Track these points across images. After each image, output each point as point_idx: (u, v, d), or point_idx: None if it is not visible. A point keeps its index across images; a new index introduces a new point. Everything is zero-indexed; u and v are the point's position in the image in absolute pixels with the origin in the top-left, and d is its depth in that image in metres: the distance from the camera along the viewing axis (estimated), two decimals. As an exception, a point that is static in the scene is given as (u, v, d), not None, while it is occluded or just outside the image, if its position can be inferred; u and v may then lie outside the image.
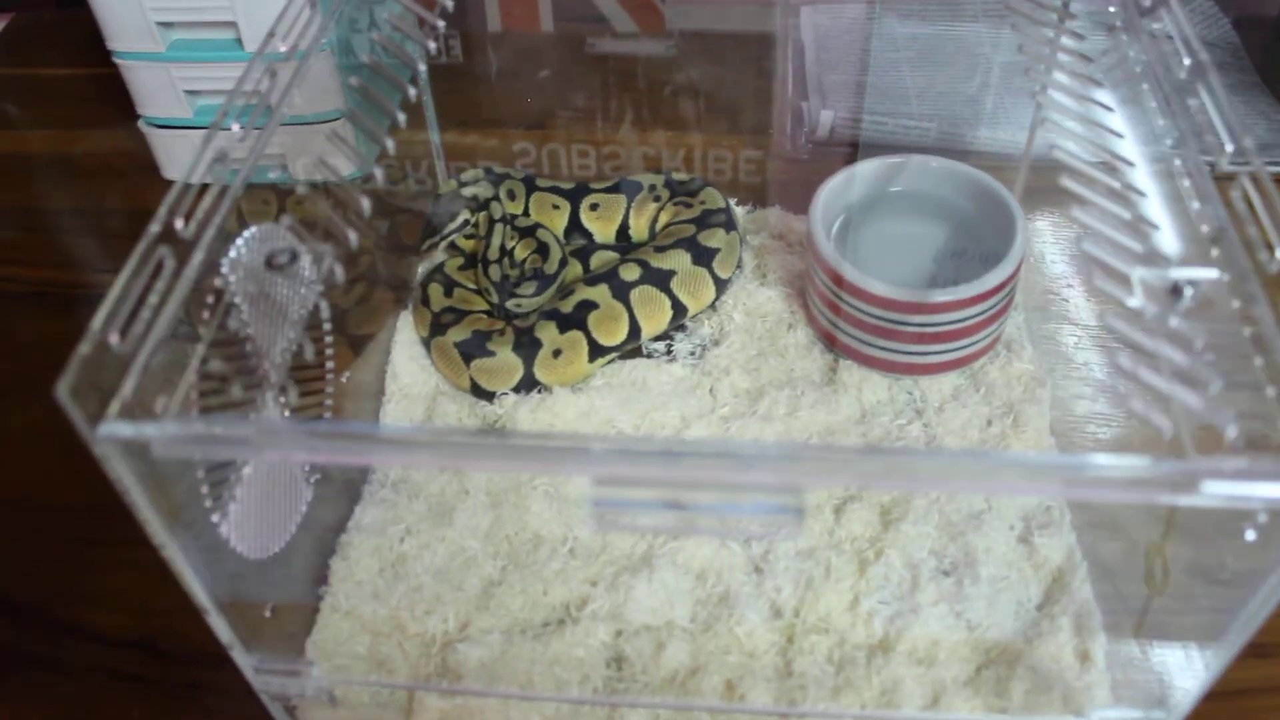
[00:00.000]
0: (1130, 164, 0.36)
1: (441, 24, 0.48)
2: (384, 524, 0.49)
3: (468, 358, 0.54)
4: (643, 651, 0.45)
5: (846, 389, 0.55)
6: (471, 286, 0.59)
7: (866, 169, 0.59)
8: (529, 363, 0.54)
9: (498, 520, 0.49)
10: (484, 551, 0.48)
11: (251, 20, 0.62)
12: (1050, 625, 0.45)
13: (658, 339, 0.58)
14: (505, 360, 0.54)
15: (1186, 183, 0.34)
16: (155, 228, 0.32)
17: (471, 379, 0.54)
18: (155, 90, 0.66)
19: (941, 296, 0.51)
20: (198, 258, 0.32)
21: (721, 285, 0.59)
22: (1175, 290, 0.31)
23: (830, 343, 0.57)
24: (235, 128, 0.38)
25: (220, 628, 0.35)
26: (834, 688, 0.43)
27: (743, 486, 0.30)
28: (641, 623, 0.46)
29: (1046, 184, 0.65)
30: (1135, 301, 0.31)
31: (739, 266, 0.61)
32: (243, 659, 0.37)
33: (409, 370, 0.56)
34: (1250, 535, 0.29)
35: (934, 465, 0.30)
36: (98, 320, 0.29)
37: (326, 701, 0.42)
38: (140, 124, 0.69)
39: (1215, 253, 0.32)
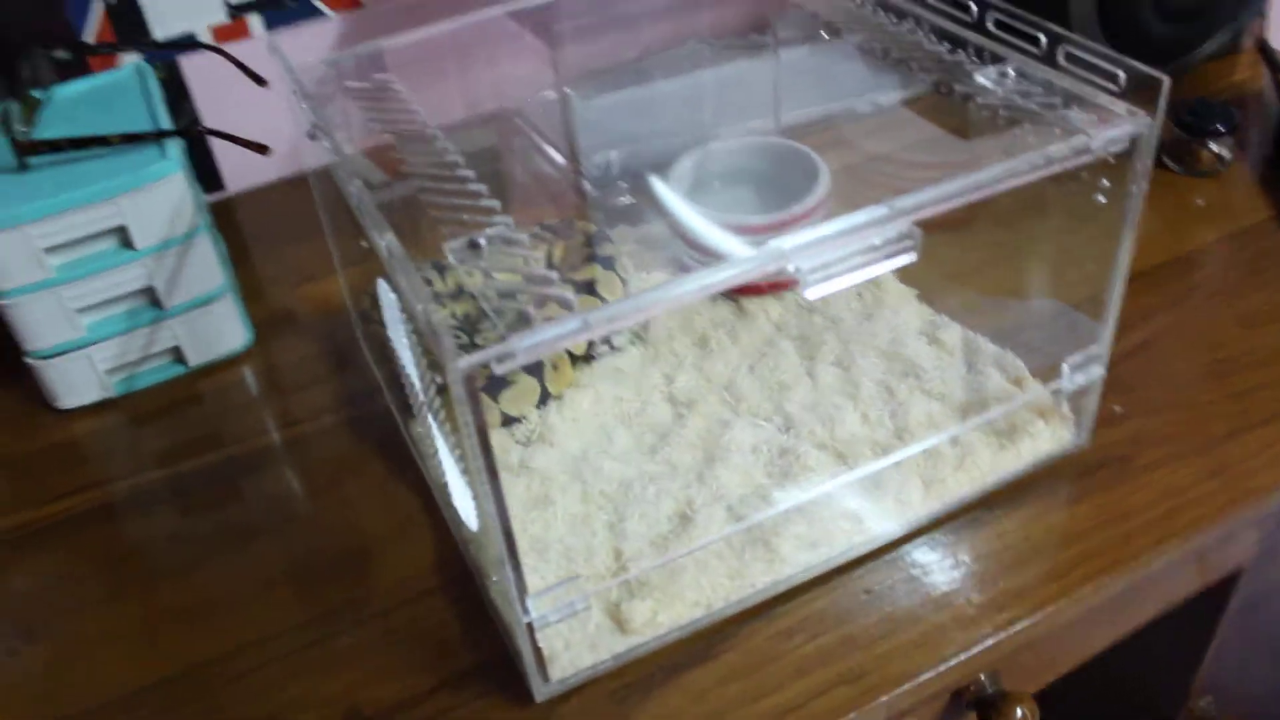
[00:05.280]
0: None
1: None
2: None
3: (494, 395, 0.64)
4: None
5: (754, 315, 0.72)
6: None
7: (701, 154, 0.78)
8: (541, 379, 0.65)
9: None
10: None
11: (140, 217, 0.67)
12: (981, 378, 0.65)
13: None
14: (525, 384, 0.64)
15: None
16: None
17: (501, 412, 0.64)
18: (44, 319, 0.68)
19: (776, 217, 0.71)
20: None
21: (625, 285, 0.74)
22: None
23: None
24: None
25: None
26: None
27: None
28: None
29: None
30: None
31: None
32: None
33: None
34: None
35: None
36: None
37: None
38: (29, 360, 0.69)
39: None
